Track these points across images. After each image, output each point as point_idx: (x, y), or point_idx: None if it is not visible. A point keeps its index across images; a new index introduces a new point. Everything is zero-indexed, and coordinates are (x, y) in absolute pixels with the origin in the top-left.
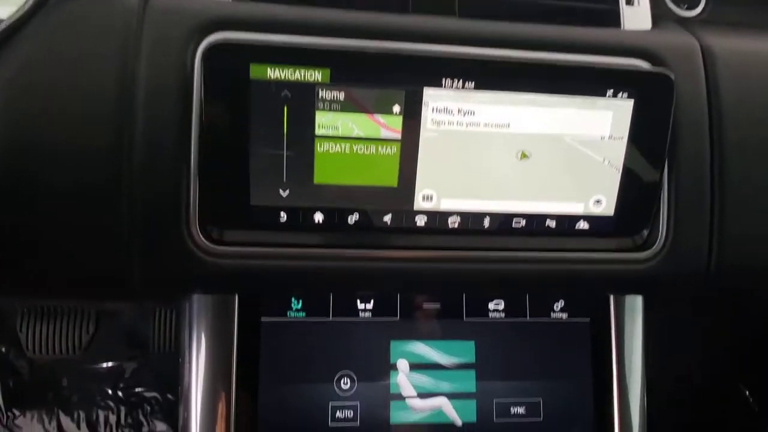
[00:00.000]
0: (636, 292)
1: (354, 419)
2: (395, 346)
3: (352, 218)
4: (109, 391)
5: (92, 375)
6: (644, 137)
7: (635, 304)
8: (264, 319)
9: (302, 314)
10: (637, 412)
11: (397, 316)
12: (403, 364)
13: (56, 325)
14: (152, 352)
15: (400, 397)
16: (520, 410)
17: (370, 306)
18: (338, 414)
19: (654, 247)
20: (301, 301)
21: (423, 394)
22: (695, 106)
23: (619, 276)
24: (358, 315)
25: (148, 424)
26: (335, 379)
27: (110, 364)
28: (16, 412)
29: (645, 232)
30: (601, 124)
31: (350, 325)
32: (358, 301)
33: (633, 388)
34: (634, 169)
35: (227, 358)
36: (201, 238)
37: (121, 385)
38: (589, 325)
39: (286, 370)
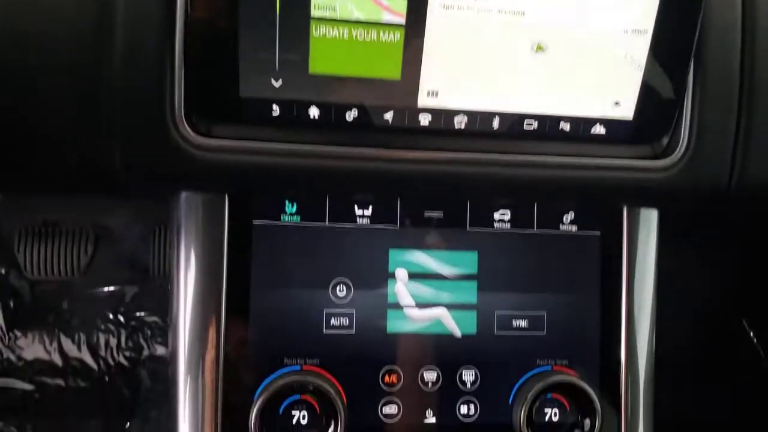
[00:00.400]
0: (651, 204)
1: (349, 327)
2: (394, 254)
3: (351, 114)
4: (110, 315)
5: (93, 299)
6: (670, 33)
7: (650, 218)
8: (256, 222)
9: (296, 218)
10: (645, 332)
11: (396, 223)
12: (401, 273)
13: (54, 246)
14: (152, 277)
15: (398, 307)
16: (523, 323)
17: (368, 212)
18: (333, 321)
19: (674, 155)
20: (295, 205)
21: (422, 304)
22: (728, 1)
23: (634, 185)
24: (355, 221)
25: (149, 347)
26: (330, 286)
27: (111, 288)
28: (18, 333)
29: (665, 140)
30: (625, 16)
31: (347, 231)
32: (356, 206)
33: (643, 306)
34: (657, 69)
35: (217, 262)
36: (187, 130)
37: (122, 309)
38: (599, 239)
39: (279, 275)
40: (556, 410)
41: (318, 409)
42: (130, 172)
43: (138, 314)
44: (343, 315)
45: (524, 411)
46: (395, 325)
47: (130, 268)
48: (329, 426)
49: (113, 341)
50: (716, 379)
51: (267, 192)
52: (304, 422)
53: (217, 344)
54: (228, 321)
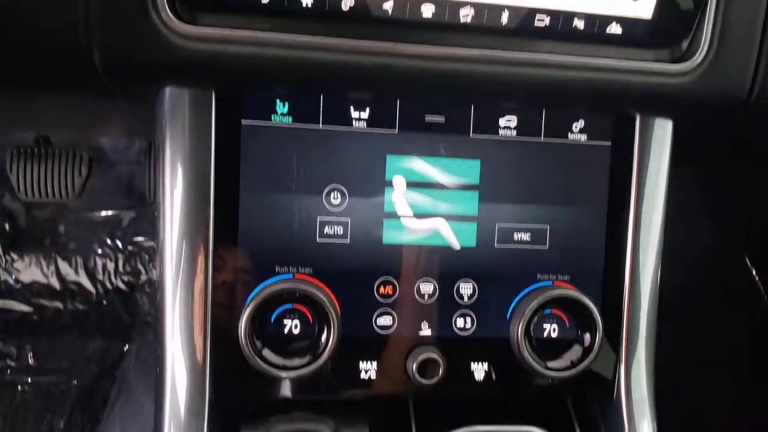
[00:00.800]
0: (666, 113)
1: (344, 236)
2: (392, 161)
3: (347, 3)
4: (107, 240)
5: (89, 223)
6: None
7: (664, 130)
8: (245, 122)
9: (288, 119)
10: (653, 250)
11: (395, 128)
12: (399, 181)
13: (47, 166)
14: (149, 202)
15: (395, 216)
16: (525, 237)
17: (365, 115)
18: (327, 230)
19: (693, 59)
20: (287, 105)
21: (420, 215)
22: None
23: (649, 90)
24: (351, 124)
25: (146, 272)
26: (324, 192)
27: (107, 213)
28: (14, 256)
29: (684, 43)
30: None
31: (342, 135)
32: (352, 108)
33: (651, 224)
34: None
35: (205, 165)
36: (170, 17)
37: (119, 234)
38: (609, 150)
39: (270, 180)
40: (555, 326)
41: (311, 318)
42: (111, 62)
43: (135, 239)
44: (338, 224)
45: (522, 325)
46: (391, 235)
47: (126, 194)
48: (322, 336)
49: (111, 266)
50: (715, 314)
51: (256, 88)
52: (296, 331)
53: (206, 252)
54: (216, 228)
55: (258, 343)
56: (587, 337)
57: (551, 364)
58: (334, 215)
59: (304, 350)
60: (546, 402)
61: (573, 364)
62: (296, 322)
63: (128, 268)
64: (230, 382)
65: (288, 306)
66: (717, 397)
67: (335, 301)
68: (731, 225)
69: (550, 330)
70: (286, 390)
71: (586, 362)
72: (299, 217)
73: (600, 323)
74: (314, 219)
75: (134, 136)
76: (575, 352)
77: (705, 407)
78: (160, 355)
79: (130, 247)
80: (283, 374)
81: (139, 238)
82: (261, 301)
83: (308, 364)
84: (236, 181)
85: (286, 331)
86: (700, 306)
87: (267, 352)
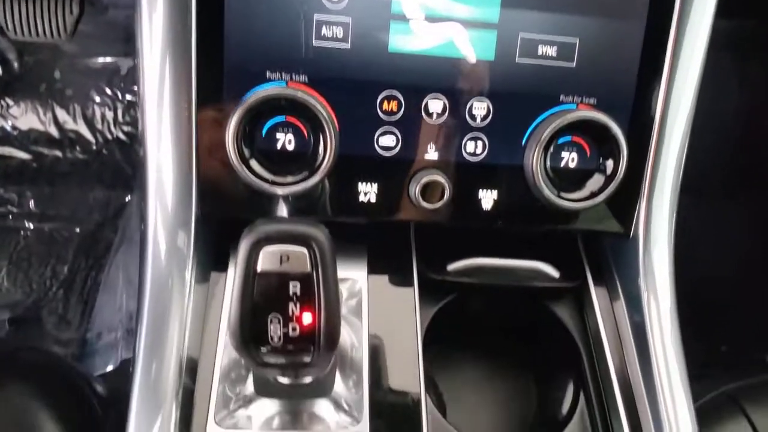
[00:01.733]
0: None
1: (344, 39)
2: None
3: None
4: (106, 89)
5: (86, 70)
6: None
7: None
8: None
9: None
10: (693, 76)
11: None
12: None
13: (36, 1)
14: None
15: (403, 19)
16: (550, 51)
17: None
18: (324, 31)
19: None
20: None
21: (432, 18)
22: None
23: None
24: None
25: None
26: None
27: (106, 59)
28: (10, 102)
29: None
30: None
31: None
32: None
33: (695, 48)
34: None
35: None
36: None
37: (117, 83)
38: None
39: None
40: (574, 155)
41: (306, 133)
42: None
43: (134, 88)
44: (337, 24)
45: (538, 151)
46: (398, 41)
47: (124, 41)
48: (318, 151)
49: (110, 115)
50: (733, 192)
51: None
52: (290, 147)
53: (188, 54)
54: (199, 26)
55: (246, 152)
56: (610, 164)
57: (567, 195)
58: (333, 13)
59: (298, 167)
60: (554, 238)
61: (592, 195)
62: (290, 137)
63: (128, 119)
64: (218, 196)
65: (281, 119)
66: (727, 272)
67: (333, 115)
68: (763, 105)
69: (569, 159)
70: (279, 209)
71: (606, 192)
72: (292, 14)
73: (625, 150)
74: (310, 17)
75: None
76: (596, 181)
77: (716, 280)
78: (142, 164)
79: (129, 97)
80: (278, 190)
81: (137, 87)
82: (250, 107)
83: (302, 180)
84: None
85: (279, 146)
86: (718, 183)
87: (255, 164)
